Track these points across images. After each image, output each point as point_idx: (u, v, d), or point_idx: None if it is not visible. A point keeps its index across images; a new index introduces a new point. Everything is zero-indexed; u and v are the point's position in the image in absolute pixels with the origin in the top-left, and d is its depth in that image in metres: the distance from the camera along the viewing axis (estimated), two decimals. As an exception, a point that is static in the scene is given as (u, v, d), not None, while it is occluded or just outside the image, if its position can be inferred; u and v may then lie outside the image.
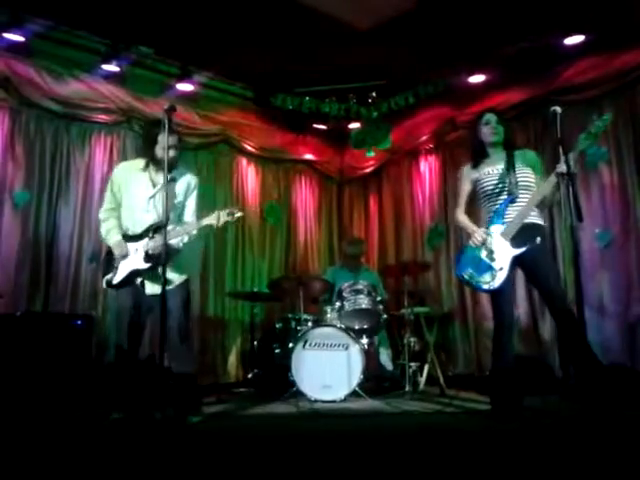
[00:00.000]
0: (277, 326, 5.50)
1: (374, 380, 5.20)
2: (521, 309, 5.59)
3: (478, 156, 3.83)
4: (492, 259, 3.57)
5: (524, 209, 3.56)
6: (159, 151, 3.61)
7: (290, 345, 4.90)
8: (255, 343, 5.75)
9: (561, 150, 3.31)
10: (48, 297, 5.11)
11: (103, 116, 5.59)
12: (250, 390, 5.43)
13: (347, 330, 4.92)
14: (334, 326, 4.97)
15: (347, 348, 4.82)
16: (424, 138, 6.64)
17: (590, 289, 5.00)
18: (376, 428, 3.61)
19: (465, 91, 6.01)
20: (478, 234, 3.66)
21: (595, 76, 5.16)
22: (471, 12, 4.95)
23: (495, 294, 3.62)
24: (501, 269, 3.54)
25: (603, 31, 4.98)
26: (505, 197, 3.64)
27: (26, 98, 5.16)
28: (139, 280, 3.64)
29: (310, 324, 5.18)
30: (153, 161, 3.71)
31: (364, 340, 5.09)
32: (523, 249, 3.50)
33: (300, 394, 4.67)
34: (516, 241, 3.54)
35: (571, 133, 5.13)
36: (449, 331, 6.15)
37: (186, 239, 3.67)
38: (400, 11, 4.96)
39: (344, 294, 5.23)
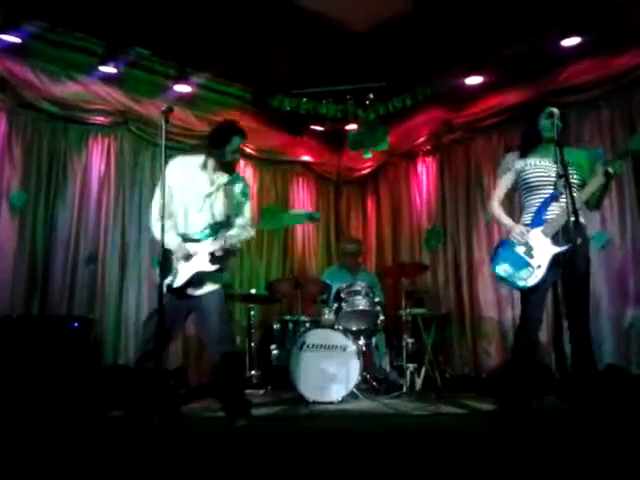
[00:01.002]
0: (275, 327, 5.49)
1: (372, 381, 5.20)
2: (518, 311, 5.59)
3: (529, 147, 3.63)
4: (531, 256, 3.43)
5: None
6: (228, 153, 3.56)
7: (288, 347, 4.90)
8: (253, 345, 5.75)
9: (558, 151, 3.30)
10: (45, 299, 5.09)
11: (100, 117, 5.58)
12: (248, 392, 5.41)
13: (345, 331, 4.92)
14: (332, 327, 4.97)
15: (345, 349, 4.82)
16: (421, 140, 6.65)
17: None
18: (374, 429, 3.61)
19: (462, 93, 6.02)
20: (518, 231, 3.51)
21: (592, 78, 5.18)
22: (468, 14, 4.96)
23: (527, 293, 3.48)
24: (539, 267, 3.40)
25: (600, 33, 4.99)
26: (548, 192, 3.47)
27: (23, 99, 5.15)
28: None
29: (308, 325, 5.18)
30: (216, 160, 3.60)
31: (362, 341, 5.08)
32: (565, 248, 3.32)
33: (298, 395, 4.67)
34: (558, 239, 3.37)
35: (568, 134, 5.18)
36: (447, 332, 6.15)
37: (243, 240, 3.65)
38: (397, 13, 4.96)
39: (342, 295, 5.23)
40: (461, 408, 4.37)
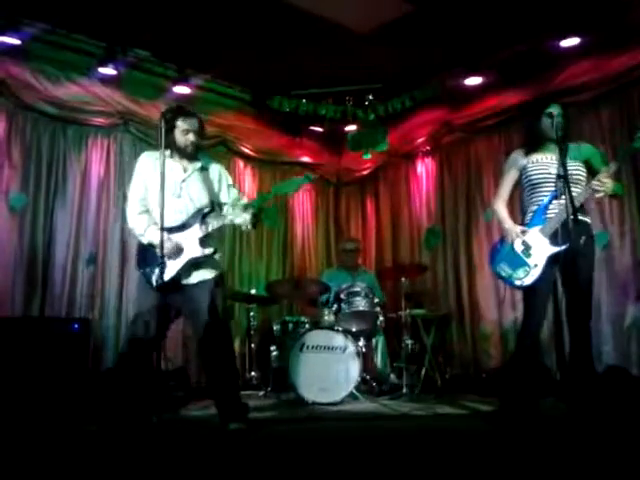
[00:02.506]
0: (274, 328, 5.48)
1: (371, 382, 5.20)
2: (518, 311, 5.59)
3: (533, 145, 3.60)
4: (528, 255, 3.41)
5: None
6: (178, 136, 3.44)
7: (288, 348, 4.90)
8: (252, 346, 5.74)
9: (558, 152, 3.30)
10: (45, 301, 5.09)
11: (100, 119, 5.59)
12: (248, 393, 5.41)
13: (345, 332, 4.91)
14: (331, 328, 4.97)
15: (344, 350, 4.81)
16: (420, 141, 6.65)
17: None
18: (374, 430, 3.61)
19: (461, 94, 6.03)
20: (513, 234, 3.48)
21: (591, 78, 5.18)
22: (467, 15, 4.96)
23: (527, 292, 3.46)
24: (535, 266, 3.36)
25: (599, 33, 4.99)
26: (550, 190, 3.43)
27: (22, 101, 5.16)
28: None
29: (308, 326, 5.18)
30: (175, 148, 3.50)
31: (361, 342, 5.08)
32: (562, 247, 3.29)
33: (298, 397, 4.66)
34: (555, 238, 3.33)
35: (568, 135, 5.16)
36: (446, 333, 6.14)
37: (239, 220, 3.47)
38: (397, 14, 4.96)
39: (341, 296, 5.23)
40: (461, 409, 4.36)
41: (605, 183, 3.30)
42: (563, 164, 3.19)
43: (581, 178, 3.46)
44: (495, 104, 5.88)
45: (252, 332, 5.83)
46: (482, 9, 4.86)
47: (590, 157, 3.53)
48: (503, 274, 3.50)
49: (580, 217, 3.31)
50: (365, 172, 7.30)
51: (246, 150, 6.66)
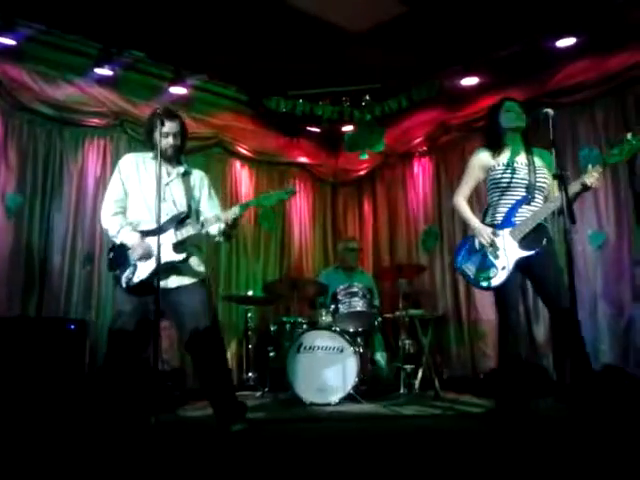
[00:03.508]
0: (272, 329, 5.49)
1: (369, 383, 5.19)
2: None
3: (495, 143, 3.61)
4: (496, 256, 3.43)
5: (540, 212, 3.41)
6: (160, 140, 3.38)
7: (285, 348, 4.90)
8: (250, 347, 5.74)
9: (554, 152, 3.30)
10: (42, 301, 5.08)
11: (96, 120, 5.58)
12: (245, 394, 5.41)
13: (342, 333, 4.91)
14: (329, 329, 4.97)
15: (342, 351, 4.82)
16: (417, 141, 6.65)
17: (583, 290, 5.02)
18: (371, 431, 3.61)
19: (457, 94, 6.04)
20: (485, 235, 3.48)
21: (587, 78, 5.19)
22: (463, 15, 4.96)
23: (496, 293, 3.49)
24: (503, 268, 3.39)
25: (594, 33, 5.00)
26: (519, 194, 3.46)
27: (18, 102, 5.14)
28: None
29: (305, 327, 5.18)
30: (162, 152, 3.42)
31: (359, 343, 5.08)
32: (531, 252, 3.37)
33: (295, 397, 4.66)
34: (524, 243, 3.39)
35: (563, 135, 5.19)
36: (444, 333, 6.15)
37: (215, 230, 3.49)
38: (393, 14, 4.97)
39: (339, 297, 5.23)
40: (458, 409, 4.37)
41: (595, 177, 3.30)
42: (560, 166, 3.17)
43: (545, 185, 3.50)
44: (491, 104, 5.88)
45: (249, 333, 5.83)
46: (477, 9, 4.86)
47: (549, 165, 3.50)
48: (468, 273, 3.53)
49: (542, 222, 3.43)
50: (362, 172, 7.31)
51: (243, 151, 6.66)
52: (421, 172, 6.74)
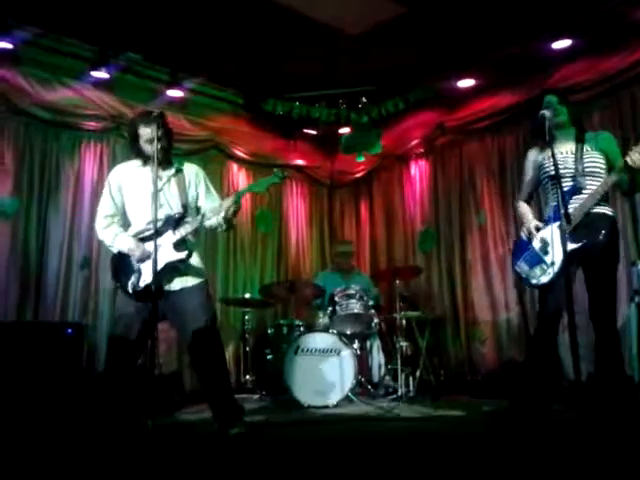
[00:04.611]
0: (269, 332, 5.49)
1: (366, 385, 5.20)
2: (512, 313, 5.63)
3: (541, 139, 3.36)
4: (545, 252, 3.31)
5: (587, 200, 3.23)
6: (143, 145, 3.39)
7: (282, 351, 4.89)
8: (247, 349, 5.73)
9: (551, 153, 3.29)
10: (38, 306, 5.07)
11: (92, 123, 5.57)
12: (243, 396, 5.40)
13: (339, 335, 4.91)
14: (326, 331, 4.97)
15: (339, 353, 4.82)
16: (414, 143, 6.66)
17: (580, 291, 5.01)
18: (369, 433, 3.60)
19: (454, 96, 6.05)
20: (525, 229, 3.42)
21: (583, 80, 5.20)
22: (460, 17, 4.98)
23: (542, 290, 3.36)
24: (552, 264, 3.24)
25: (590, 35, 5.02)
26: (568, 184, 3.29)
27: (15, 106, 5.14)
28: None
29: (302, 329, 5.18)
30: (144, 157, 3.47)
31: (356, 345, 5.08)
32: (580, 244, 3.16)
33: (293, 400, 4.66)
34: (574, 235, 3.16)
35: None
36: (441, 335, 6.15)
37: (216, 222, 3.46)
38: (390, 16, 4.98)
39: (336, 299, 5.23)
40: (456, 410, 4.37)
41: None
42: (554, 158, 3.05)
43: (599, 170, 3.33)
44: (488, 106, 5.90)
45: (247, 335, 5.82)
46: (474, 11, 4.88)
47: (605, 148, 3.40)
48: (521, 273, 3.42)
49: (602, 210, 3.26)
50: (359, 174, 7.31)
51: (239, 153, 6.66)
52: (418, 174, 6.75)
